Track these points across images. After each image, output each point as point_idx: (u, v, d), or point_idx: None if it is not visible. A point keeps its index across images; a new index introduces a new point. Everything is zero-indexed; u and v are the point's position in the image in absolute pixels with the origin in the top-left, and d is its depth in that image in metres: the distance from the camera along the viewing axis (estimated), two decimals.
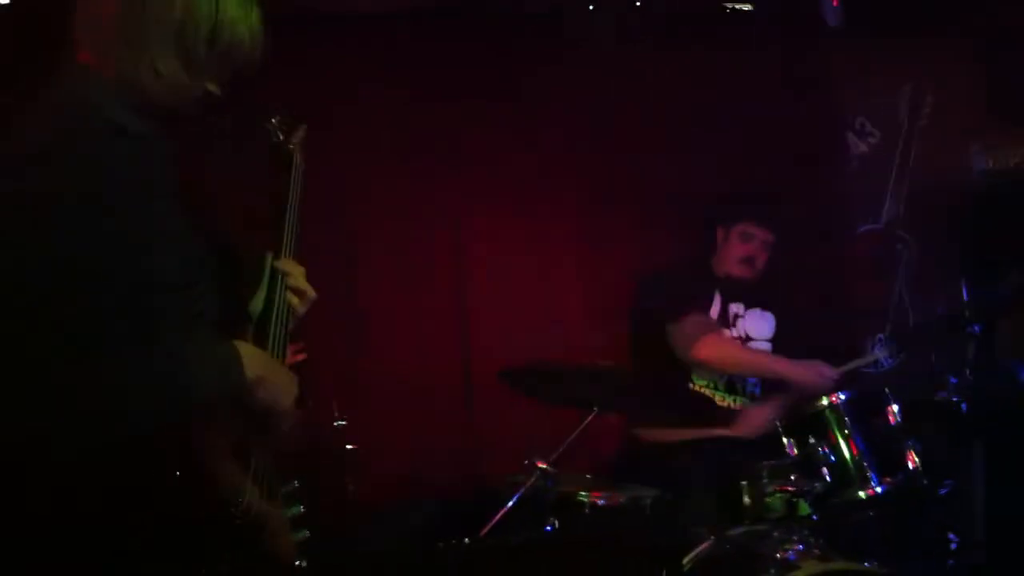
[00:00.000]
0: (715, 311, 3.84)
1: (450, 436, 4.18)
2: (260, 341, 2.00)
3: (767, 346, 3.89)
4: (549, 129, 4.36)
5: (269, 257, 2.17)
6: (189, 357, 1.68)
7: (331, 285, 4.06)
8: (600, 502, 3.14)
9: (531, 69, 4.33)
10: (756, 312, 3.92)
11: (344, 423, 3.59)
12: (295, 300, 2.13)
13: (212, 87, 1.84)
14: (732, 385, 3.80)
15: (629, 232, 4.39)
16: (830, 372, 3.55)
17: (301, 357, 3.54)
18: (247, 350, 1.77)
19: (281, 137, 2.27)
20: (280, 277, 2.12)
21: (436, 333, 4.23)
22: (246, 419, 1.80)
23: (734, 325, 3.87)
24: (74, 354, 1.56)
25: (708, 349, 3.62)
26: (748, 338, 3.87)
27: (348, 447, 3.53)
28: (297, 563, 1.86)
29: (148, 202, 1.71)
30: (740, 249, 3.87)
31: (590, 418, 3.18)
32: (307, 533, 1.91)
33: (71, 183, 1.60)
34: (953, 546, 3.42)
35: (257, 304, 2.11)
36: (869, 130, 4.69)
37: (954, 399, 3.46)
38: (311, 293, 2.16)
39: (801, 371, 3.56)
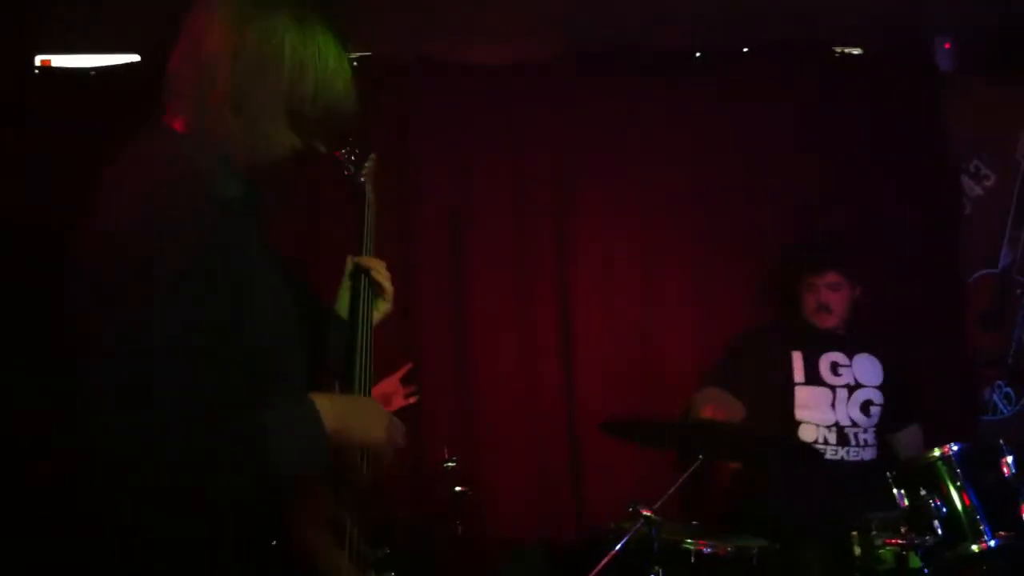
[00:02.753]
0: (798, 368, 3.83)
1: (559, 480, 4.19)
2: (347, 366, 2.02)
3: (877, 394, 3.83)
4: (665, 175, 4.37)
5: (350, 261, 2.22)
6: (272, 425, 1.64)
7: (441, 330, 4.20)
8: (706, 551, 3.14)
9: (652, 111, 4.37)
10: (864, 358, 3.88)
11: (453, 465, 3.65)
12: (381, 305, 2.18)
13: (318, 145, 1.87)
14: (844, 436, 3.76)
15: (742, 281, 4.35)
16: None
17: (413, 400, 3.63)
18: (323, 402, 1.72)
19: (352, 169, 2.26)
20: (363, 279, 2.15)
21: (543, 376, 4.27)
22: (338, 472, 1.79)
23: (837, 375, 3.84)
24: (178, 424, 1.56)
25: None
26: (858, 384, 3.83)
27: (457, 489, 3.59)
28: None
29: (253, 267, 1.75)
30: (810, 301, 3.91)
31: (695, 466, 3.19)
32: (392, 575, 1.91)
33: (179, 256, 1.60)
34: None
35: (342, 306, 2.16)
36: (984, 172, 4.59)
37: None
38: (390, 289, 2.20)
39: None
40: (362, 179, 2.29)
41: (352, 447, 1.78)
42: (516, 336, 4.24)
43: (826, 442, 3.73)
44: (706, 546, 3.15)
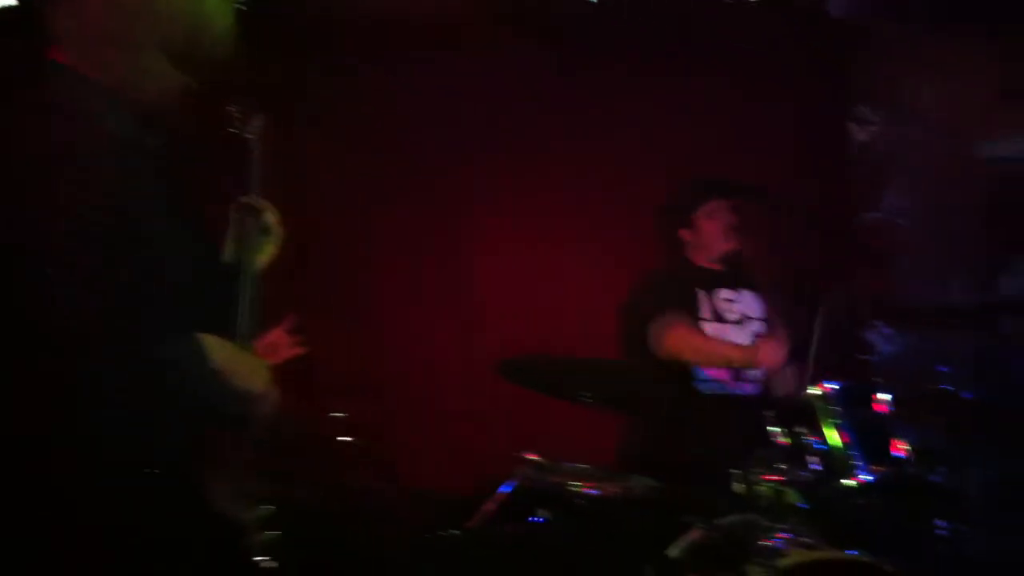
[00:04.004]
0: (705, 305, 3.87)
1: (449, 427, 4.21)
2: (232, 309, 2.04)
3: (762, 326, 3.90)
4: (560, 124, 4.37)
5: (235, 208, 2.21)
6: (168, 358, 1.70)
7: (333, 277, 4.15)
8: (592, 493, 3.16)
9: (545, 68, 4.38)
10: (747, 293, 3.94)
11: (342, 415, 3.62)
12: (268, 248, 2.18)
13: (191, 80, 1.87)
14: (736, 371, 3.81)
15: (637, 227, 4.36)
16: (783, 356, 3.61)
17: (300, 351, 3.59)
18: (210, 341, 1.78)
19: (240, 126, 2.26)
20: (251, 221, 2.15)
21: (437, 325, 4.27)
22: (218, 414, 1.83)
23: (731, 310, 3.89)
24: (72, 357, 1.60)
25: (673, 340, 3.66)
26: (747, 317, 3.89)
27: (344, 439, 3.56)
28: (266, 563, 1.89)
29: (150, 205, 1.76)
30: (715, 226, 3.89)
31: (586, 409, 3.21)
32: (277, 533, 1.93)
33: (74, 195, 1.62)
34: (943, 534, 3.43)
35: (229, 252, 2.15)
36: (870, 118, 4.67)
37: (949, 388, 3.48)
38: (279, 231, 2.20)
39: (758, 355, 3.64)
40: (249, 135, 2.26)
41: (234, 390, 1.80)
42: (416, 288, 4.23)
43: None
44: (592, 488, 3.17)
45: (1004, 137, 4.56)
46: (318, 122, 4.22)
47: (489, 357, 3.99)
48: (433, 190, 4.31)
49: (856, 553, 2.95)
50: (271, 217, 2.21)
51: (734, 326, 3.87)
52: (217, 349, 1.77)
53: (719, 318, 3.87)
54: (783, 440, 3.19)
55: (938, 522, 3.27)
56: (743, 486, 3.16)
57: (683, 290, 3.85)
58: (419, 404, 4.19)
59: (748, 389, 3.84)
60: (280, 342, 3.54)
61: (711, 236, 3.92)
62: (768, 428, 3.21)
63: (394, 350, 4.22)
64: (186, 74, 1.85)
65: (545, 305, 4.31)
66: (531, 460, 3.04)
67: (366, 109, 4.26)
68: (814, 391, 3.21)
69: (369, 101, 4.26)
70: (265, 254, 2.23)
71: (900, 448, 3.15)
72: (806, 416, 3.19)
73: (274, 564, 1.91)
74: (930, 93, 4.67)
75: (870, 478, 3.09)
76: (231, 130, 2.22)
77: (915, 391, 3.45)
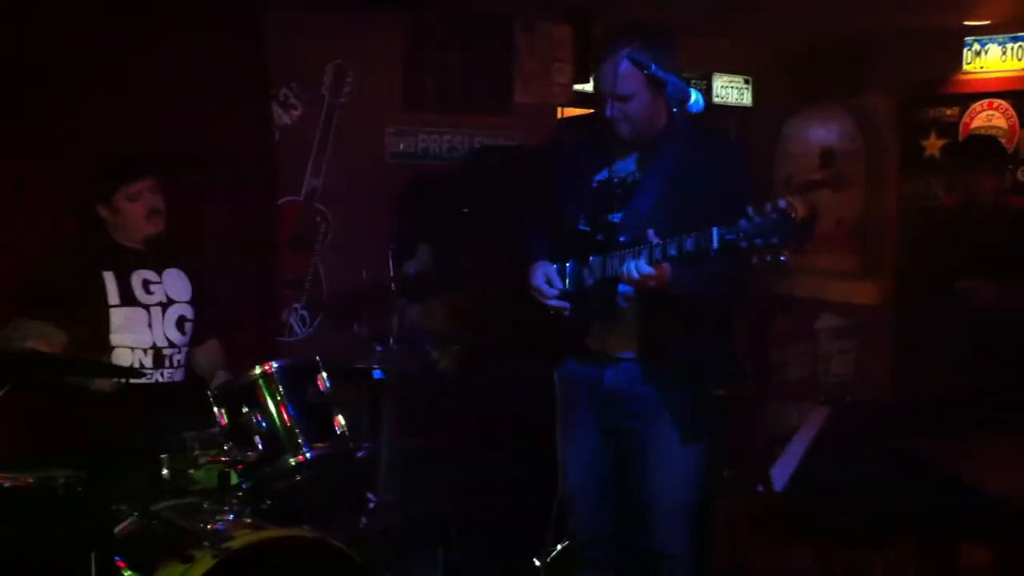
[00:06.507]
0: (112, 289, 3.65)
1: None
2: None
3: (189, 309, 3.77)
4: None
5: None
6: None
7: None
8: (4, 485, 2.82)
9: None
10: (173, 273, 3.79)
11: None
12: None
13: None
14: (160, 358, 3.66)
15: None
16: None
17: None
18: None
19: None
20: None
21: None
22: None
23: (150, 293, 3.71)
24: None
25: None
26: (171, 300, 3.73)
27: None
28: None
29: None
30: (137, 209, 3.66)
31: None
32: None
33: None
34: (371, 505, 3.62)
35: None
36: (292, 102, 4.75)
37: (373, 367, 3.69)
38: None
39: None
40: None
41: None
42: None
43: (142, 366, 3.59)
44: (3, 480, 2.83)
45: (406, 134, 4.95)
46: None
47: None
48: None
49: (302, 528, 2.99)
50: None
51: (156, 309, 3.70)
52: None
53: (133, 302, 3.67)
54: (224, 421, 3.13)
55: (369, 494, 3.46)
56: (178, 470, 3.04)
57: (82, 275, 3.60)
58: None
59: (179, 376, 3.71)
60: None
61: (132, 219, 3.69)
62: (209, 410, 3.14)
63: None
64: None
65: None
66: None
67: None
68: (256, 370, 3.19)
69: None
70: None
71: (338, 424, 3.25)
72: (248, 396, 3.17)
73: None
74: (343, 82, 4.88)
75: (311, 455, 3.15)
76: None
77: (344, 370, 3.59)
